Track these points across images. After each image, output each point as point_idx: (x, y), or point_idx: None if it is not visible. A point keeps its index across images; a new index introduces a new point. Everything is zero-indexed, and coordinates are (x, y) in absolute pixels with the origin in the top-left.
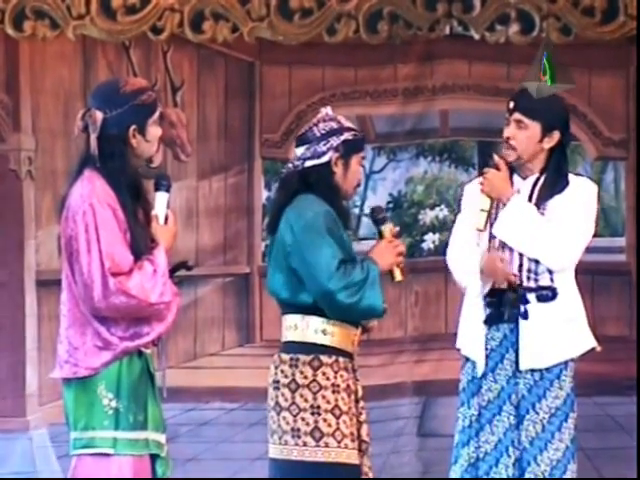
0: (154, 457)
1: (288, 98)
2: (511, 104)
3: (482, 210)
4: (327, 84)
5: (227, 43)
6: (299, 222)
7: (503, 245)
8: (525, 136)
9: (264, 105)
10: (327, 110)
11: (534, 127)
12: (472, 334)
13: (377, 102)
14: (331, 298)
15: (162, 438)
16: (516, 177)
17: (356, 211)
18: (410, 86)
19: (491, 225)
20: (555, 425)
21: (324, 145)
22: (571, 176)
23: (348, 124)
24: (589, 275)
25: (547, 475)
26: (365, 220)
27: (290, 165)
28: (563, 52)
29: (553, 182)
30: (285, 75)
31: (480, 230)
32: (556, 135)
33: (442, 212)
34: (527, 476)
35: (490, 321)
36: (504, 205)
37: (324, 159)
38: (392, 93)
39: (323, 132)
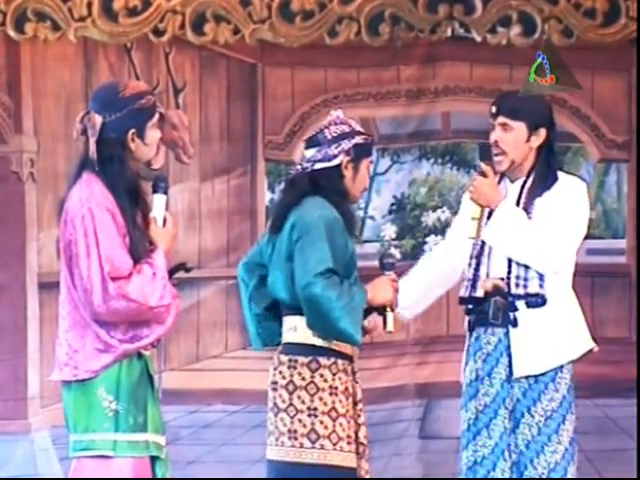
0: (154, 459)
1: (291, 100)
2: (493, 109)
3: (473, 218)
4: (330, 86)
5: (229, 45)
6: (302, 222)
7: (490, 252)
8: (512, 138)
9: (266, 107)
10: (338, 113)
11: (519, 127)
12: None
13: (380, 104)
14: (310, 299)
15: (162, 440)
16: (506, 180)
17: (360, 213)
18: (413, 88)
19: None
20: (552, 428)
21: (335, 148)
22: (560, 173)
23: (359, 128)
24: (589, 277)
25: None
26: (369, 222)
27: (298, 167)
28: (565, 54)
29: (543, 178)
30: (287, 77)
31: (473, 238)
32: (542, 132)
33: (444, 214)
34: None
35: (471, 328)
36: (493, 212)
37: (335, 162)
38: (395, 95)
39: (334, 135)
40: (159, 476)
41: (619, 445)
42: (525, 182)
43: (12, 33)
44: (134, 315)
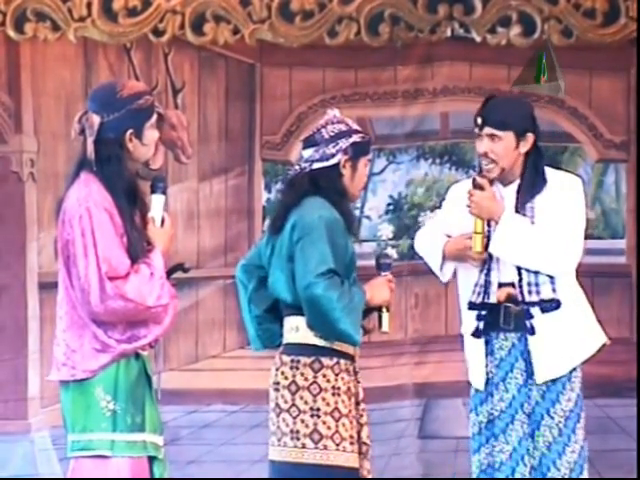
0: (151, 459)
1: (289, 100)
2: (479, 120)
3: (476, 233)
4: (327, 86)
5: (228, 45)
6: (302, 223)
7: (498, 258)
8: (502, 147)
9: (265, 107)
10: (335, 112)
11: (508, 137)
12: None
13: (377, 104)
14: (311, 300)
15: (160, 440)
16: (498, 185)
17: (356, 213)
18: (410, 88)
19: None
20: (570, 428)
21: (333, 147)
22: (553, 172)
23: (356, 126)
24: (589, 277)
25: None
26: (365, 222)
27: (297, 167)
28: (564, 54)
29: (531, 183)
30: (286, 77)
31: (479, 253)
32: (530, 138)
33: None
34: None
35: (478, 334)
36: (496, 223)
37: (333, 161)
38: (392, 95)
39: (332, 134)
40: (157, 476)
41: (620, 445)
42: (520, 185)
43: (12, 33)
44: (132, 315)
